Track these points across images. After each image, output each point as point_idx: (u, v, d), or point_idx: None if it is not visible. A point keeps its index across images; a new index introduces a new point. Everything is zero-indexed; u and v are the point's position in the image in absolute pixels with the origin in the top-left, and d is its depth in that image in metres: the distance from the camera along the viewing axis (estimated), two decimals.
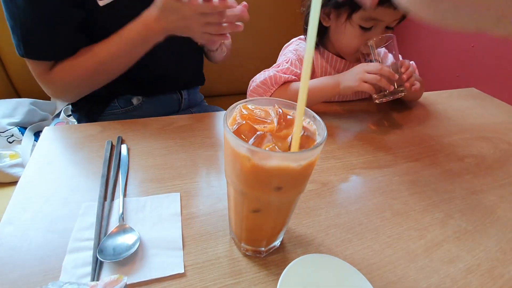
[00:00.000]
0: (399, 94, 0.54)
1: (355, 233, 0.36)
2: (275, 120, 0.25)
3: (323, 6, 0.56)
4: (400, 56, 0.60)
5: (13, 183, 0.73)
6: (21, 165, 0.75)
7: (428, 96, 0.75)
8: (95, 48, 0.51)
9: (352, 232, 0.36)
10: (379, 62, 0.55)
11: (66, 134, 0.48)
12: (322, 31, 0.60)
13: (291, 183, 0.23)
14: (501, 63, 0.83)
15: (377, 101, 0.56)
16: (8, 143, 0.79)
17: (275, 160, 0.21)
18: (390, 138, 0.56)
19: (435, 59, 1.06)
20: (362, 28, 0.54)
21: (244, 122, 0.23)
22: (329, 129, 0.55)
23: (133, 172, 0.41)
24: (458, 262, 0.34)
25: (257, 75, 0.58)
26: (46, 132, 0.48)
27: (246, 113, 0.25)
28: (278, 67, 0.59)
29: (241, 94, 0.80)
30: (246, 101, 0.26)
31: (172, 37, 0.51)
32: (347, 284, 0.25)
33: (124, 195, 0.36)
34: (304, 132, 0.23)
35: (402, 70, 0.53)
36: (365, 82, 0.51)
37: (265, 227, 0.27)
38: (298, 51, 0.62)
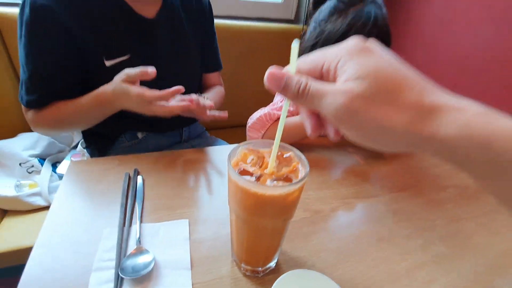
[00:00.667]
0: None
1: (343, 256, 0.40)
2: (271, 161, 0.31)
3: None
4: None
5: (31, 211, 0.78)
6: (39, 194, 0.81)
7: None
8: (65, 104, 0.58)
9: (341, 256, 0.40)
10: None
11: (88, 167, 0.54)
12: None
13: (279, 210, 0.29)
14: (483, 97, 0.91)
15: None
16: (28, 173, 0.86)
17: (267, 190, 0.27)
18: (378, 170, 0.62)
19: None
20: None
21: (242, 166, 0.30)
22: (322, 162, 0.62)
23: (148, 201, 0.46)
24: (437, 282, 0.38)
25: (254, 113, 0.66)
26: (71, 166, 0.54)
27: (246, 153, 0.31)
28: (273, 105, 0.67)
29: (241, 126, 0.87)
30: (246, 144, 0.32)
31: (174, 79, 0.58)
32: None
33: (141, 221, 0.42)
34: (294, 168, 0.29)
35: None
36: None
37: (261, 248, 0.32)
38: None
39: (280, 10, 1.29)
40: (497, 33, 0.87)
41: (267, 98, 0.77)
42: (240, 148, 0.31)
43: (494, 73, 0.89)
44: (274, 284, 0.28)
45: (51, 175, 0.86)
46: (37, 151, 0.90)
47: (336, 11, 0.58)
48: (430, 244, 0.44)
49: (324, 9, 0.61)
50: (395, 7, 1.16)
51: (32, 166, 0.86)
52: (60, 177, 0.88)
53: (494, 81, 0.90)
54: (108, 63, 0.59)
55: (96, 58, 0.59)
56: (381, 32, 0.57)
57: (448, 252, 0.43)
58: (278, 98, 0.71)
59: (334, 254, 0.40)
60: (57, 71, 0.57)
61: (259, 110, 0.67)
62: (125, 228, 0.40)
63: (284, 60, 0.23)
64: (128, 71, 0.51)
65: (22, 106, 0.59)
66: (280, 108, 0.65)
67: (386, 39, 0.58)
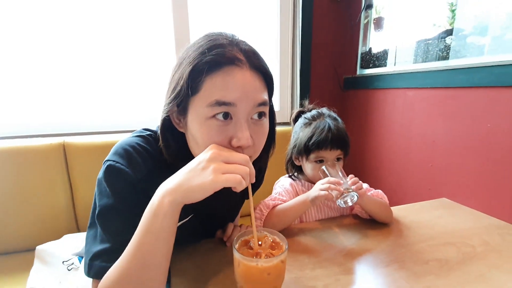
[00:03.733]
0: (350, 194, 0.71)
1: None
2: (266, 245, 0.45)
3: (294, 155, 0.87)
4: (365, 185, 0.85)
5: None
6: None
7: (403, 210, 0.93)
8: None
9: None
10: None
11: None
12: (298, 168, 0.89)
13: (263, 281, 0.41)
14: (469, 172, 1.04)
15: (338, 203, 0.72)
16: (67, 271, 0.98)
17: (257, 263, 0.40)
18: (367, 249, 0.71)
19: (407, 177, 1.29)
20: (316, 162, 0.82)
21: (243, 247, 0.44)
22: (318, 244, 0.73)
23: (174, 285, 0.58)
24: None
25: (256, 204, 0.82)
26: None
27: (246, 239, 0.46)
28: (271, 197, 0.83)
29: (245, 215, 0.99)
30: (244, 233, 0.47)
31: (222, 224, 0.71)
32: None
33: None
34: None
35: (348, 179, 0.73)
36: (322, 190, 0.71)
37: None
38: (284, 185, 0.88)
39: (278, 115, 1.61)
40: (447, 127, 1.07)
41: (268, 190, 0.94)
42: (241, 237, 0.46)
43: (469, 172, 1.05)
44: None
45: None
46: (78, 249, 1.04)
47: (304, 124, 0.86)
48: None
49: (298, 123, 0.89)
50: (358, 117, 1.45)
51: (73, 263, 0.99)
52: None
53: (469, 179, 1.05)
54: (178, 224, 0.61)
55: None
56: (336, 134, 0.80)
57: None
58: (274, 192, 0.88)
59: None
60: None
61: (260, 202, 0.83)
62: None
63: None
64: None
65: (93, 284, 0.50)
66: (274, 199, 0.81)
67: (343, 139, 0.82)
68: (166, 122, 0.53)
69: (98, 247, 0.49)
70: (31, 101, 1.25)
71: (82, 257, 1.04)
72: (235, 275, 0.44)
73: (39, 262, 1.00)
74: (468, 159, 1.02)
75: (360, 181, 0.75)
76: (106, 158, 0.53)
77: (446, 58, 1.03)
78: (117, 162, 0.51)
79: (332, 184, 0.72)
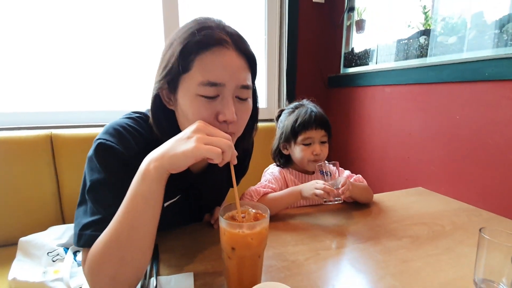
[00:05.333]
0: (337, 200, 0.77)
1: None
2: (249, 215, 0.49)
3: (281, 143, 0.92)
4: (346, 172, 0.90)
5: None
6: (61, 280, 0.91)
7: (381, 197, 0.99)
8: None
9: None
10: (330, 175, 0.82)
11: None
12: (287, 158, 0.92)
13: (247, 246, 0.44)
14: (441, 162, 1.11)
15: (324, 203, 0.77)
16: (52, 262, 0.98)
17: (238, 229, 0.43)
18: (346, 228, 0.76)
19: (386, 169, 1.36)
20: (304, 145, 0.87)
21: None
22: (301, 225, 0.77)
23: (162, 260, 0.60)
24: None
25: (246, 190, 0.85)
26: None
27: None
28: (260, 184, 0.87)
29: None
30: (230, 206, 0.50)
31: (209, 209, 0.78)
32: None
33: (158, 275, 0.55)
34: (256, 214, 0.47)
35: (340, 186, 0.78)
36: (316, 193, 0.75)
37: (245, 277, 0.46)
38: (273, 172, 0.92)
39: (265, 112, 1.66)
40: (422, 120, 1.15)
41: (256, 178, 0.98)
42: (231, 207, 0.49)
43: (443, 162, 1.13)
44: None
45: (72, 262, 0.98)
46: (63, 240, 1.04)
47: (288, 113, 0.93)
48: (381, 279, 0.55)
49: (283, 114, 0.96)
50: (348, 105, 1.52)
51: (58, 254, 0.99)
52: (80, 264, 0.99)
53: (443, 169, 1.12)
54: (165, 204, 0.62)
55: None
56: (319, 115, 0.88)
57: (398, 284, 0.54)
58: (263, 179, 0.92)
59: None
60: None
61: (249, 188, 0.87)
62: (146, 280, 0.53)
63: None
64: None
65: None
66: (265, 186, 0.85)
67: (326, 120, 0.89)
68: (157, 100, 0.55)
69: (89, 218, 0.50)
70: (19, 93, 1.24)
71: (68, 248, 1.03)
72: (221, 244, 0.47)
73: (21, 254, 0.99)
74: (440, 150, 1.10)
75: (348, 181, 0.80)
76: (96, 138, 0.54)
77: (423, 56, 1.11)
78: (108, 140, 0.52)
79: (326, 191, 0.74)
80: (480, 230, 0.52)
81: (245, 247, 0.45)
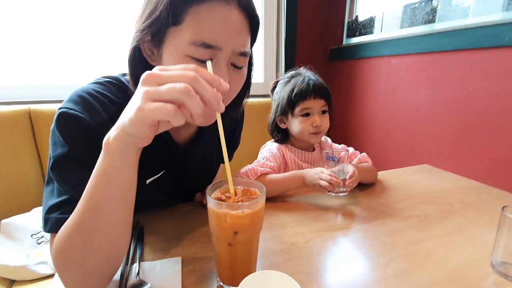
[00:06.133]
0: (342, 191, 0.71)
1: (314, 277, 0.46)
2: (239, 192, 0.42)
3: (278, 117, 0.84)
4: (350, 149, 0.85)
5: (39, 279, 0.83)
6: (45, 263, 0.86)
7: (386, 174, 0.93)
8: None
9: (312, 276, 0.47)
10: (337, 160, 0.74)
11: None
12: (284, 132, 0.85)
13: (247, 227, 0.38)
14: (450, 138, 1.05)
15: (328, 193, 0.72)
16: (37, 244, 0.92)
17: (231, 209, 0.37)
18: (350, 207, 0.70)
19: (390, 146, 1.29)
20: (303, 116, 0.80)
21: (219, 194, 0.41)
22: (301, 204, 0.71)
23: (147, 244, 0.54)
24: None
25: (242, 169, 0.78)
26: None
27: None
28: (257, 162, 0.80)
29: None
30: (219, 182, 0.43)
31: (199, 187, 0.71)
32: None
33: (141, 260, 0.49)
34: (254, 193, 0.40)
35: (347, 178, 0.70)
36: (321, 183, 0.68)
37: (237, 264, 0.40)
38: (271, 149, 0.84)
39: (262, 87, 1.56)
40: (430, 91, 1.07)
41: (252, 156, 0.91)
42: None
43: (450, 139, 1.06)
44: (241, 283, 0.35)
45: None
46: None
47: (284, 83, 0.84)
48: (390, 263, 0.50)
49: (278, 85, 0.87)
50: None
51: (42, 236, 0.93)
52: None
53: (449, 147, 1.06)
54: (148, 181, 0.58)
55: (140, 179, 0.43)
56: (318, 83, 0.80)
57: (408, 267, 0.49)
58: (260, 156, 0.85)
59: (305, 275, 0.47)
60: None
61: (245, 166, 0.80)
62: (128, 266, 0.48)
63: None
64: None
65: (50, 239, 0.44)
66: (263, 165, 0.78)
67: (325, 88, 0.81)
68: (136, 53, 0.46)
69: (55, 200, 0.43)
70: None
71: None
72: (210, 226, 0.41)
73: (3, 237, 0.93)
74: (449, 125, 1.03)
75: (369, 161, 0.76)
76: (59, 107, 0.46)
77: (432, 21, 1.01)
78: (70, 109, 0.45)
79: (332, 182, 0.67)
80: (503, 208, 0.46)
81: (235, 229, 0.39)
